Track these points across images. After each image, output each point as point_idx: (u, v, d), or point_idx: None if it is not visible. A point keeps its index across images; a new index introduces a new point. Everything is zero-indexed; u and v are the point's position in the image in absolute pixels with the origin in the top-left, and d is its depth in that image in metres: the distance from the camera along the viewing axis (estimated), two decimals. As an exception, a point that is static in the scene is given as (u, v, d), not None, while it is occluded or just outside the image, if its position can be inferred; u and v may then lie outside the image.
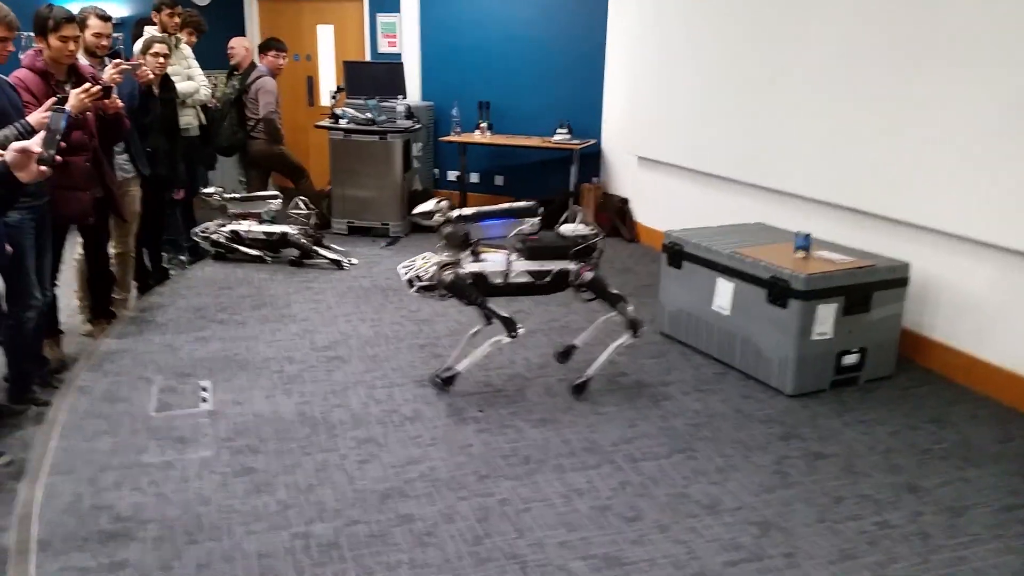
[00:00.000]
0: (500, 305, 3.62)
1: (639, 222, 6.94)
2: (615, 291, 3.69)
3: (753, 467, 3.14)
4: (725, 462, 3.18)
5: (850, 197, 4.49)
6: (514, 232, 3.65)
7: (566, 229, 3.65)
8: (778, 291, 3.74)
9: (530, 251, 3.59)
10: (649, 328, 4.62)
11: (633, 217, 7.01)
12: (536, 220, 3.63)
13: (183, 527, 2.68)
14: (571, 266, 3.61)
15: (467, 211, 3.57)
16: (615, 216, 7.04)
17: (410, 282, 3.56)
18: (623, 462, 3.17)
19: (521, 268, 3.58)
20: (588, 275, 3.60)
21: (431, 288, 3.53)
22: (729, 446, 3.31)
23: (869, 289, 3.81)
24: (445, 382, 3.69)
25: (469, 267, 3.54)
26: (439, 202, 3.53)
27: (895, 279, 3.90)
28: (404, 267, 3.63)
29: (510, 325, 3.54)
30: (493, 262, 3.58)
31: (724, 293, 4.07)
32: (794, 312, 3.69)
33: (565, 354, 4.06)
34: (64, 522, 2.70)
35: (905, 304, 4.00)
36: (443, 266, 3.52)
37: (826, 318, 3.73)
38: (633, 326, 3.67)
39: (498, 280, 3.58)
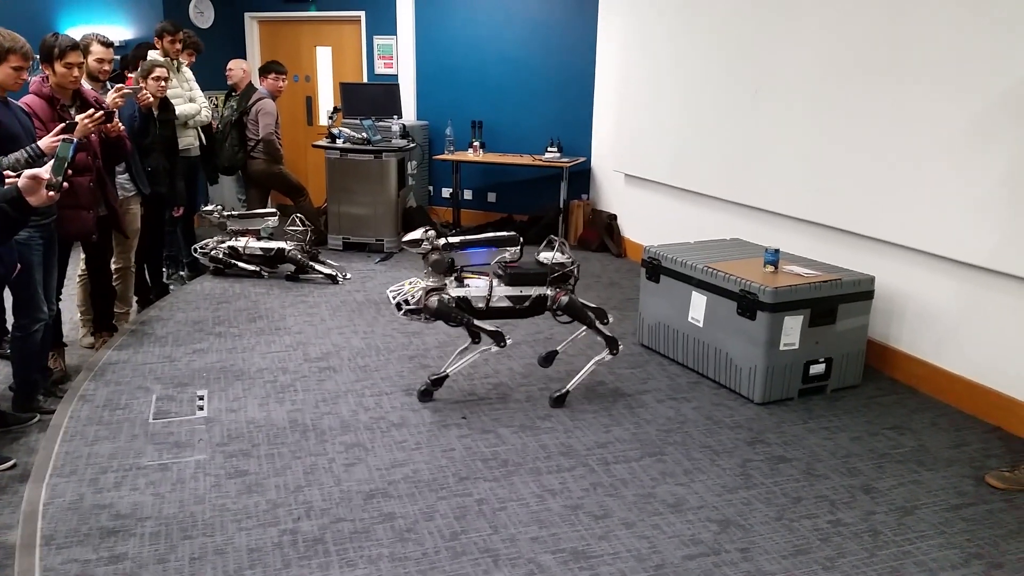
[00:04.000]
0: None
1: (627, 237, 7.15)
2: (591, 313, 3.87)
3: (718, 470, 3.32)
4: (692, 465, 3.36)
5: (821, 214, 4.69)
6: (496, 260, 3.88)
7: (545, 257, 3.87)
8: (747, 303, 3.93)
9: (511, 278, 3.82)
10: (629, 340, 4.83)
11: (621, 233, 7.21)
12: (517, 249, 3.85)
13: (178, 524, 2.86)
14: (549, 292, 3.82)
15: (453, 239, 3.79)
16: (604, 232, 7.25)
17: (398, 305, 3.76)
18: (596, 465, 3.35)
19: (502, 293, 3.81)
20: (564, 299, 3.81)
21: (417, 312, 3.74)
22: (697, 450, 3.49)
23: (835, 301, 4.00)
24: (433, 383, 3.90)
25: (453, 292, 3.76)
26: (427, 230, 3.74)
27: (861, 292, 4.08)
28: (393, 291, 3.83)
29: (498, 337, 3.74)
30: (476, 287, 3.81)
31: (698, 306, 4.26)
32: (762, 323, 3.88)
33: (547, 359, 4.28)
34: (67, 519, 2.88)
35: (871, 316, 4.19)
36: (429, 291, 3.73)
37: (793, 329, 3.91)
38: (610, 344, 3.87)
39: (480, 304, 3.80)
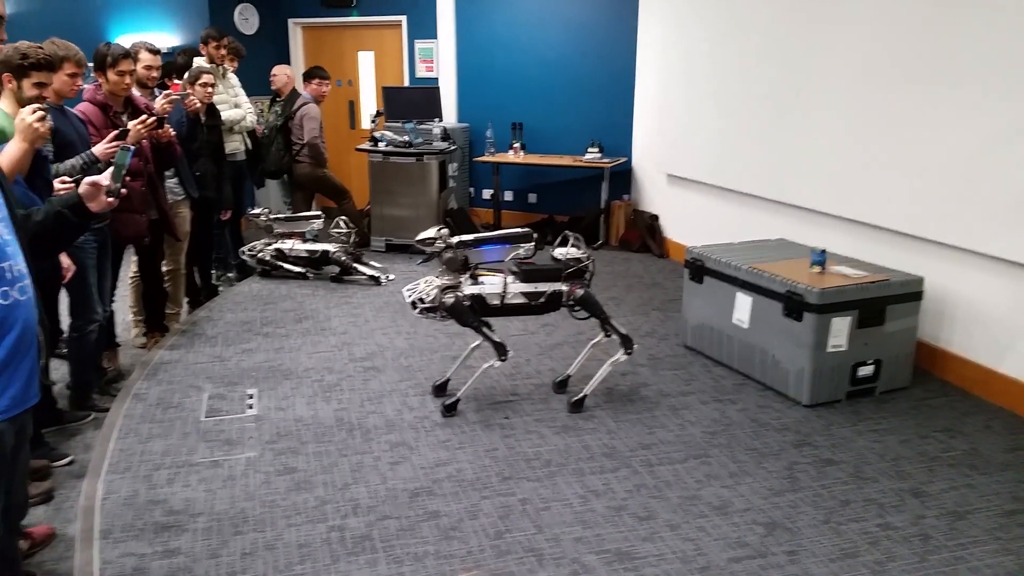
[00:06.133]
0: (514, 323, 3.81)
1: (669, 238, 7.11)
2: (606, 309, 3.87)
3: (765, 472, 3.29)
4: (738, 467, 3.33)
5: (869, 213, 4.62)
6: (510, 256, 3.87)
7: (559, 252, 3.86)
8: (793, 305, 3.89)
9: (525, 274, 3.81)
10: (672, 341, 4.81)
11: (663, 233, 7.17)
12: (531, 245, 3.84)
13: (230, 520, 2.92)
14: (564, 287, 3.81)
15: (467, 237, 3.79)
16: (645, 232, 7.21)
17: (413, 304, 3.78)
18: (640, 466, 3.34)
19: (517, 290, 3.79)
20: (579, 292, 3.80)
21: (433, 310, 3.75)
22: (743, 452, 3.46)
23: (883, 303, 3.93)
24: (448, 409, 3.84)
25: (468, 290, 3.76)
26: (440, 229, 3.76)
27: (909, 293, 4.01)
28: (408, 290, 3.85)
29: (501, 349, 3.73)
30: (491, 285, 3.80)
31: (743, 307, 4.23)
32: (809, 325, 3.83)
33: (562, 384, 4.12)
34: (123, 514, 2.96)
35: (921, 317, 4.12)
36: (444, 289, 3.74)
37: (840, 331, 3.86)
38: (625, 343, 3.86)
39: (495, 301, 3.78)
